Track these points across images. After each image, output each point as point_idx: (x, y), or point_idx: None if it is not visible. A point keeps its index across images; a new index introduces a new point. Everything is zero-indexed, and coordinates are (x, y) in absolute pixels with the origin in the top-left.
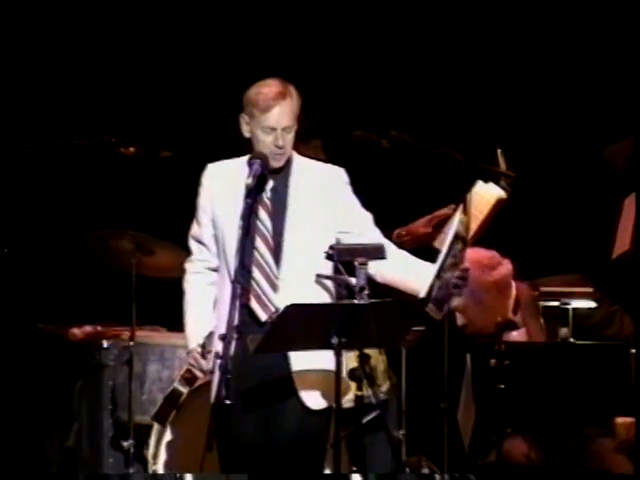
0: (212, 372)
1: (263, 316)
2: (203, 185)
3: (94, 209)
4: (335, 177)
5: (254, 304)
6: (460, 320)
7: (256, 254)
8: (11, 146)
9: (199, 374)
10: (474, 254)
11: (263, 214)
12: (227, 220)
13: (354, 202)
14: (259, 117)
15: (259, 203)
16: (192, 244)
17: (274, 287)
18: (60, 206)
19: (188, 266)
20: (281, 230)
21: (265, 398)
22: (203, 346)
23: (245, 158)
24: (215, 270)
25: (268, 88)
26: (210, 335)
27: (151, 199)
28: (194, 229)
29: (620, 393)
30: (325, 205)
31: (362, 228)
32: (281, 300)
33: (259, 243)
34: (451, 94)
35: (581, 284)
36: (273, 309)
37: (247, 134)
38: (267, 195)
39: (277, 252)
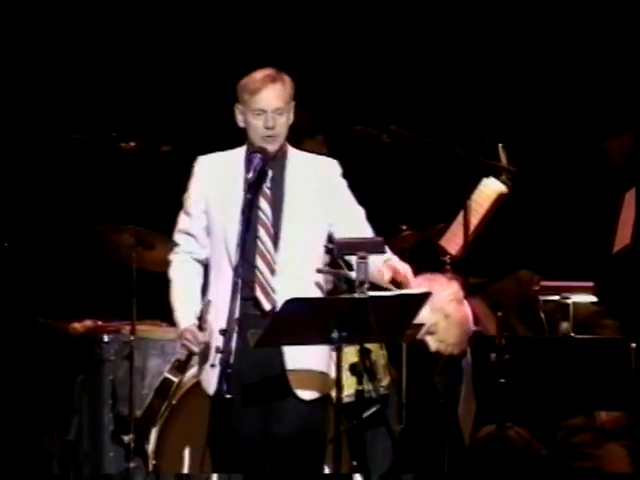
0: (213, 365)
1: (267, 306)
2: (196, 177)
3: (94, 203)
4: (330, 169)
5: (259, 294)
6: (433, 345)
7: (259, 244)
8: (13, 140)
9: (195, 349)
10: (425, 278)
11: (264, 204)
12: (224, 213)
13: (348, 194)
14: (249, 101)
15: (260, 194)
16: (179, 237)
17: (272, 272)
18: (60, 200)
19: (173, 257)
20: (279, 219)
21: (263, 393)
22: (200, 318)
23: (237, 150)
24: (201, 262)
25: (258, 73)
26: (206, 304)
27: (151, 193)
28: (183, 222)
29: (620, 387)
30: (320, 196)
31: (354, 221)
32: (278, 284)
33: (262, 233)
34: (452, 89)
35: (532, 279)
36: (274, 297)
37: (241, 124)
38: (267, 185)
39: (276, 240)
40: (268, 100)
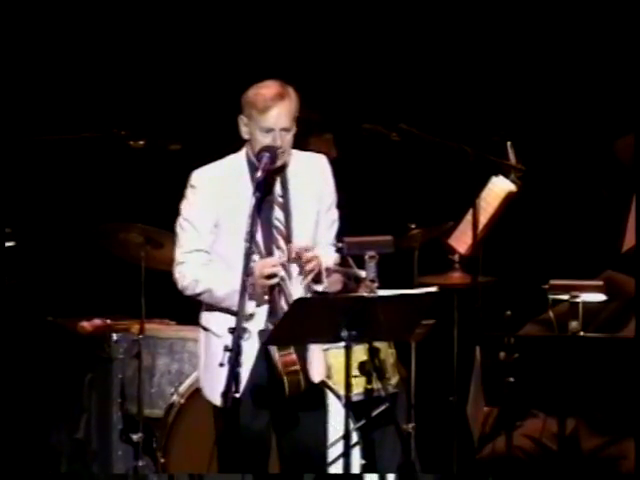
0: (222, 364)
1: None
2: (199, 192)
3: (104, 202)
4: (323, 167)
5: (283, 303)
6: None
7: (281, 254)
8: (23, 139)
9: (279, 270)
10: None
11: (278, 212)
12: (237, 221)
13: (334, 194)
14: (257, 118)
15: (273, 202)
16: (187, 256)
17: (290, 276)
18: (70, 199)
19: (186, 268)
20: (290, 226)
21: (287, 400)
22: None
23: (234, 157)
24: None
25: (266, 89)
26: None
27: (160, 192)
28: (190, 241)
29: (631, 387)
30: (317, 193)
31: (328, 222)
32: (294, 287)
33: (281, 243)
34: (461, 87)
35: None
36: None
37: (246, 136)
38: (278, 193)
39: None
40: (277, 119)
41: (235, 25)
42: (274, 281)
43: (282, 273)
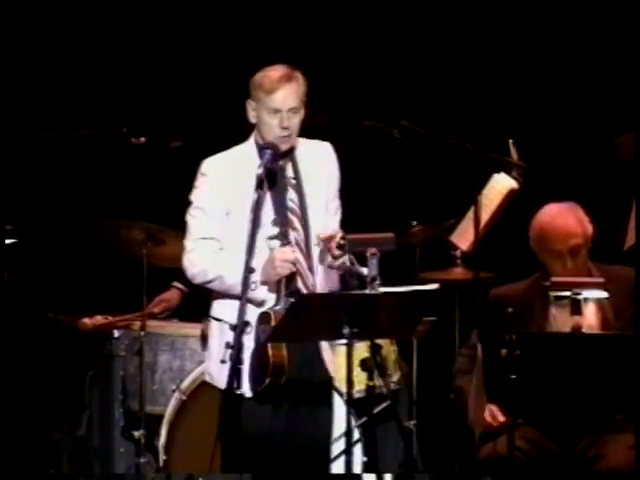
0: (223, 361)
1: None
2: (210, 179)
3: (105, 199)
4: (330, 153)
5: (301, 286)
6: None
7: (297, 235)
8: (24, 136)
9: (297, 256)
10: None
11: (292, 194)
12: (247, 209)
13: (338, 183)
14: (264, 99)
15: (287, 182)
16: (197, 243)
17: (311, 269)
18: (71, 196)
19: (194, 255)
20: (304, 205)
21: (299, 396)
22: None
23: (244, 146)
24: None
25: (274, 71)
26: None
27: (162, 189)
28: (201, 228)
29: (632, 385)
30: (326, 177)
31: (338, 202)
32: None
33: (297, 224)
34: (463, 84)
35: None
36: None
37: (253, 120)
38: (291, 176)
39: (306, 232)
40: (284, 100)
41: (237, 22)
42: (293, 269)
43: (300, 259)
